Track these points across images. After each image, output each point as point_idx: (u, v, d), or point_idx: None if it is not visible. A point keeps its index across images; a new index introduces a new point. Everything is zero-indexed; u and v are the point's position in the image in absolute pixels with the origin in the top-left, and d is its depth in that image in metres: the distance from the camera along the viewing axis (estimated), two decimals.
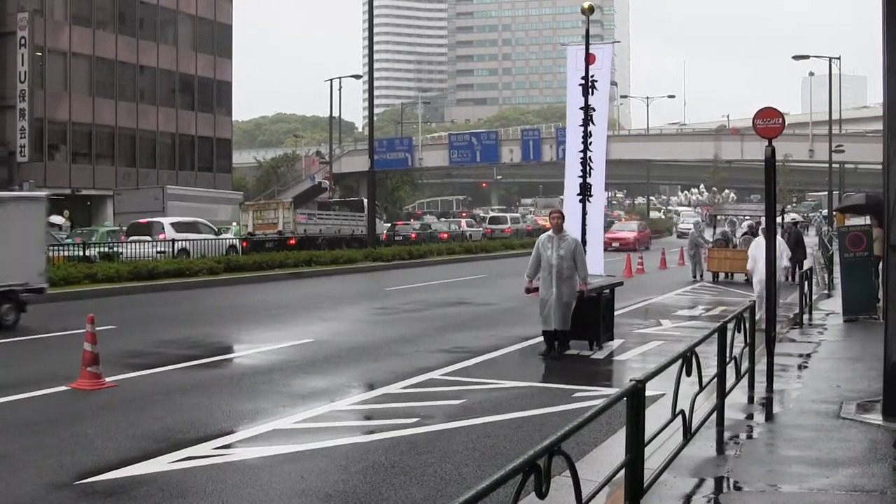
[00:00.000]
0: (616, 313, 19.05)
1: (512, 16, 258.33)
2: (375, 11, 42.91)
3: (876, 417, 9.01)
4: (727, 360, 8.31)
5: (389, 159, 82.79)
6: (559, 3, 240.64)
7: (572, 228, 15.29)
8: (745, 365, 9.67)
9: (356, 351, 14.52)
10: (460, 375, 12.28)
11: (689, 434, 6.90)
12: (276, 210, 42.99)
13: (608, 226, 49.13)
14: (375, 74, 42.41)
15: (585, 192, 15.94)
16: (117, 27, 64.34)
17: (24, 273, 17.89)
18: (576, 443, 7.62)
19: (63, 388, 11.10)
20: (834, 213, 44.83)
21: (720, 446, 7.90)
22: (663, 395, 8.80)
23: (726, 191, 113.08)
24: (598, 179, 16.11)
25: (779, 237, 16.84)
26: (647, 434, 5.51)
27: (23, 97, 56.74)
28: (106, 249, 31.73)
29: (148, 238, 33.63)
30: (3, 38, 57.80)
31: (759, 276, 16.96)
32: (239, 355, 14.81)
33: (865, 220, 21.83)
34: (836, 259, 21.99)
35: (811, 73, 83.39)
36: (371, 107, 43.31)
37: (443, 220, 76.32)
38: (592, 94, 15.93)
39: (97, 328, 11.60)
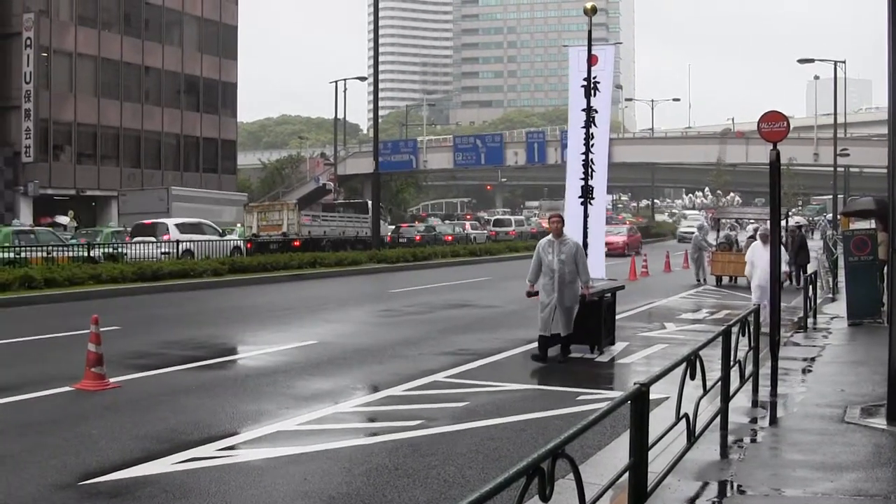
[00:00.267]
0: (620, 316, 19.04)
1: (517, 18, 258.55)
2: (381, 13, 42.94)
3: (880, 422, 8.99)
4: (731, 363, 8.30)
5: (394, 161, 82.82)
6: (564, 5, 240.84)
7: (574, 231, 15.21)
8: (749, 369, 9.65)
9: (360, 353, 14.52)
10: (464, 378, 12.27)
11: (693, 438, 6.89)
12: (281, 211, 43.04)
13: None
14: (380, 76, 42.50)
15: (587, 194, 15.80)
16: (123, 28, 64.48)
17: None
18: (580, 446, 7.62)
19: (67, 388, 11.10)
20: (839, 216, 44.79)
21: (724, 450, 7.89)
22: (667, 398, 8.79)
23: (731, 194, 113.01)
24: (599, 182, 15.95)
25: None
26: (651, 437, 5.52)
27: (28, 98, 56.86)
28: (110, 250, 31.78)
29: (152, 239, 33.69)
30: (9, 38, 57.94)
31: (758, 281, 16.90)
32: (243, 356, 14.81)
33: (870, 224, 21.79)
34: (841, 263, 21.96)
35: (816, 77, 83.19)
36: (376, 109, 43.35)
37: (447, 222, 76.36)
38: (594, 95, 15.77)
39: (101, 329, 11.62)
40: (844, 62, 63.18)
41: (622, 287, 16.47)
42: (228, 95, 73.76)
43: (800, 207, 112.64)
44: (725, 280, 30.46)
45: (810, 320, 17.96)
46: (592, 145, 15.76)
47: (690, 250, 33.19)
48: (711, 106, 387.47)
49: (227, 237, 39.02)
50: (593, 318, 14.51)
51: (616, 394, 10.50)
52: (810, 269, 25.22)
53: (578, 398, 10.96)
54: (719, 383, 8.02)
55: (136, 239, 34.24)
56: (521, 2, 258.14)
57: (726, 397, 8.18)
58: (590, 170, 15.78)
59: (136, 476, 7.53)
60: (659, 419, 6.48)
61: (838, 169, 64.74)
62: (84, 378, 11.25)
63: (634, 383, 5.23)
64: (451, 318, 19.76)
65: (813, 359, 13.66)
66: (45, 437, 8.81)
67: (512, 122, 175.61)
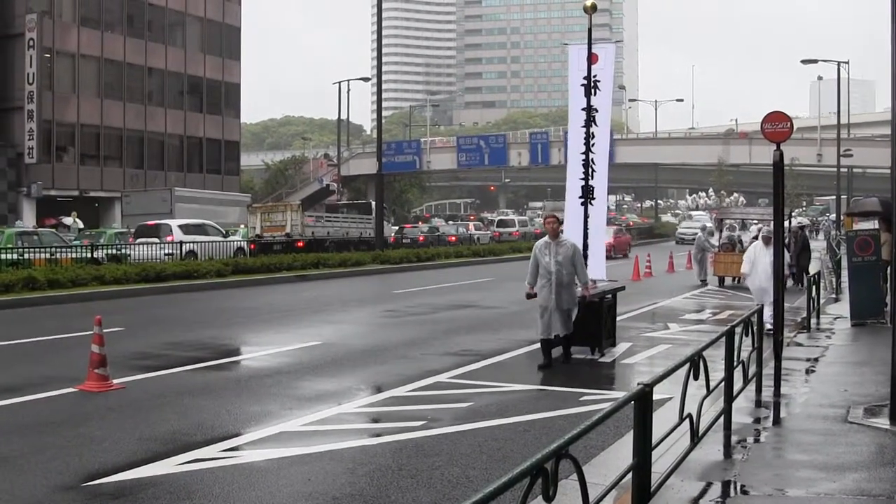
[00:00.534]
0: (624, 317, 19.06)
1: (520, 19, 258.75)
2: (384, 14, 42.94)
3: (883, 422, 8.99)
4: (735, 364, 8.30)
5: (397, 162, 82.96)
6: (568, 6, 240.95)
7: (574, 232, 15.06)
8: (752, 369, 9.65)
9: (363, 353, 14.53)
10: (467, 378, 12.28)
11: (696, 438, 6.89)
12: (284, 212, 43.02)
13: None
14: (384, 77, 42.44)
15: (587, 194, 15.51)
16: (126, 29, 64.53)
17: None
18: (583, 446, 7.61)
19: (70, 389, 11.11)
20: (843, 217, 44.77)
21: (727, 450, 7.88)
22: (671, 398, 8.79)
23: (735, 194, 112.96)
24: (600, 182, 15.65)
25: None
26: (655, 437, 5.51)
27: (31, 99, 56.90)
28: (114, 251, 31.81)
29: (156, 240, 33.70)
30: (12, 39, 57.98)
31: (759, 283, 16.79)
32: (246, 357, 14.83)
33: (874, 225, 21.77)
34: (844, 263, 21.95)
35: (820, 78, 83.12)
36: (379, 109, 43.37)
37: (451, 223, 76.37)
38: (595, 94, 15.50)
39: (105, 330, 11.63)
40: (848, 63, 63.20)
41: (623, 288, 16.40)
42: (232, 96, 73.79)
43: (804, 208, 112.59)
44: (728, 281, 30.42)
45: (813, 321, 17.96)
46: (593, 145, 15.48)
47: (694, 251, 33.17)
48: (715, 106, 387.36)
49: (231, 238, 39.02)
50: (593, 320, 14.42)
51: (619, 394, 10.49)
52: (812, 269, 25.17)
53: (582, 399, 10.96)
54: (722, 384, 8.01)
55: (139, 240, 34.28)
56: (524, 2, 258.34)
57: (729, 397, 8.17)
58: (590, 169, 15.49)
59: (139, 477, 7.54)
60: (662, 419, 6.47)
61: (841, 169, 64.73)
62: (87, 379, 11.26)
63: (638, 384, 5.23)
64: (454, 319, 19.76)
65: (816, 359, 13.65)
66: (49, 439, 8.82)
67: (515, 123, 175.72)
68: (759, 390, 10.12)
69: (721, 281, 30.39)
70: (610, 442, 8.31)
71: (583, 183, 15.57)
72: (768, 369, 10.63)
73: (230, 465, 7.93)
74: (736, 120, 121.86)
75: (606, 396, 11.09)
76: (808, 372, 12.49)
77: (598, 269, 15.63)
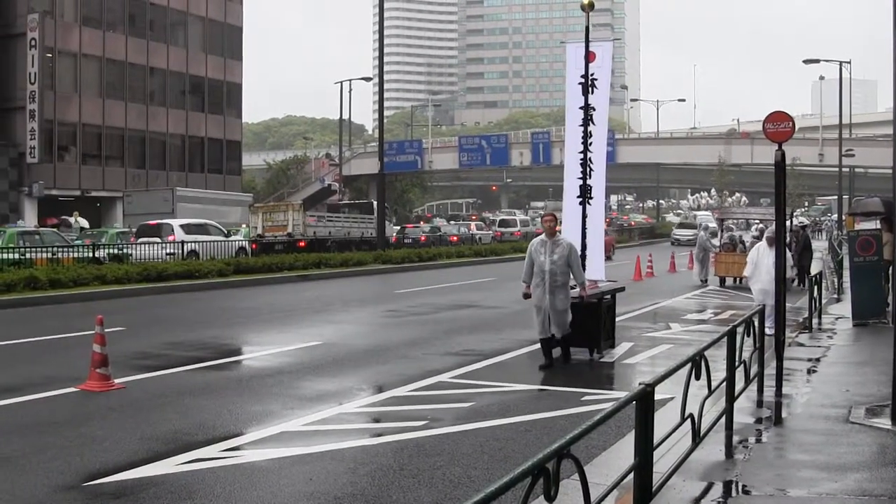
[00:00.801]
0: (626, 317, 19.06)
1: (522, 19, 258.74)
2: (386, 14, 42.93)
3: (885, 422, 8.98)
4: (736, 364, 8.29)
5: (399, 162, 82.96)
6: (569, 6, 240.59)
7: (572, 232, 14.98)
8: (754, 369, 9.64)
9: (365, 353, 14.53)
10: (469, 378, 12.27)
11: (697, 438, 6.88)
12: (286, 212, 43.02)
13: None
14: (386, 77, 42.43)
15: (585, 194, 15.38)
16: (127, 29, 64.55)
17: None
18: (585, 446, 7.61)
19: (72, 389, 11.12)
20: (845, 216, 44.74)
21: (729, 450, 7.88)
22: (672, 398, 8.79)
23: (737, 194, 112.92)
24: (598, 181, 15.49)
25: None
26: (656, 438, 5.51)
27: (33, 98, 56.93)
28: (115, 251, 31.81)
29: (157, 240, 33.71)
30: (14, 39, 58.01)
31: (762, 284, 16.60)
32: (247, 357, 14.83)
33: (876, 225, 21.76)
34: (846, 263, 21.93)
35: (821, 77, 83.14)
36: (381, 109, 43.34)
37: (452, 222, 76.37)
38: (592, 92, 15.37)
39: (106, 330, 11.62)
40: (850, 63, 63.15)
41: (622, 289, 16.26)
42: (233, 96, 73.80)
43: (806, 208, 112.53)
44: (729, 281, 30.40)
45: (815, 321, 17.95)
46: (591, 144, 15.36)
47: (696, 251, 33.15)
48: (717, 106, 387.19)
49: (233, 238, 39.03)
50: (592, 321, 14.24)
51: (621, 394, 10.48)
52: (815, 269, 25.14)
53: (583, 398, 10.95)
54: (724, 384, 8.00)
55: (141, 240, 34.29)
56: (525, 2, 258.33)
57: (731, 398, 8.16)
58: (588, 168, 15.36)
59: (140, 477, 7.54)
60: (664, 419, 6.46)
61: (843, 169, 64.70)
62: (89, 379, 11.26)
63: (639, 383, 5.22)
64: (456, 319, 19.76)
65: (818, 359, 13.64)
66: (50, 438, 8.82)
67: (517, 123, 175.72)
68: (760, 390, 10.11)
69: (722, 281, 30.36)
70: (611, 442, 8.31)
71: (581, 182, 15.44)
72: (770, 369, 10.63)
73: (231, 465, 7.93)
74: (738, 120, 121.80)
75: (608, 396, 11.09)
76: (809, 372, 12.48)
77: (596, 270, 15.51)
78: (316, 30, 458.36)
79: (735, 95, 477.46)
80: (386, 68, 43.12)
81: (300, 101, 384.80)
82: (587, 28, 15.23)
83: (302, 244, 40.26)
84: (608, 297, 15.01)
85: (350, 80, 76.05)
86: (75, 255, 29.44)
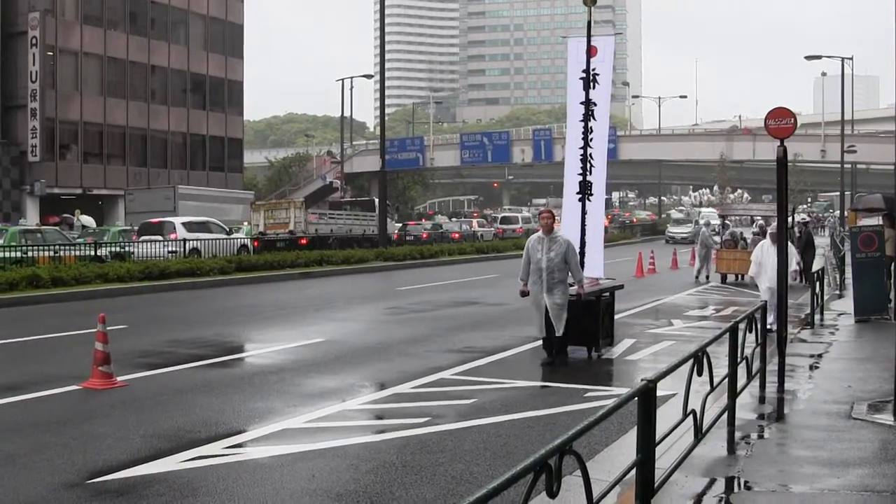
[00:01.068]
0: (627, 313, 19.07)
1: (524, 15, 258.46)
2: (387, 11, 42.93)
3: (887, 418, 8.99)
4: (738, 360, 8.29)
5: (401, 159, 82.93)
6: (571, 2, 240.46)
7: (571, 229, 14.88)
8: (756, 365, 9.65)
9: (367, 350, 14.53)
10: (471, 375, 12.27)
11: (700, 434, 6.89)
12: (288, 210, 43.01)
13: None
14: (387, 74, 42.46)
15: (585, 190, 15.17)
16: (128, 27, 64.54)
17: None
18: (587, 442, 7.63)
19: (74, 387, 11.13)
20: (846, 212, 44.74)
21: (731, 446, 7.88)
22: (674, 394, 8.79)
23: (739, 190, 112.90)
24: (598, 177, 15.29)
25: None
26: (659, 434, 5.51)
27: (34, 97, 56.97)
28: (117, 249, 31.81)
29: (159, 238, 33.72)
30: (15, 37, 58.06)
31: (770, 282, 16.40)
32: (250, 355, 14.83)
33: (878, 221, 21.75)
34: (848, 259, 21.92)
35: (823, 74, 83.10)
36: (382, 107, 43.33)
37: (454, 219, 76.40)
38: (594, 87, 15.16)
39: (108, 328, 11.62)
40: (852, 59, 63.10)
41: (621, 286, 15.96)
42: (235, 94, 73.79)
43: (808, 204, 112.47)
44: (731, 278, 30.36)
45: (817, 317, 17.94)
46: (591, 139, 15.18)
47: (698, 247, 33.11)
48: (718, 103, 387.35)
49: (234, 236, 39.01)
50: (590, 319, 14.03)
51: (623, 390, 10.46)
52: (817, 265, 25.10)
53: (586, 395, 10.96)
54: (726, 380, 8.00)
55: (142, 238, 34.28)
56: None
57: (733, 394, 8.16)
58: (588, 165, 15.17)
59: (143, 474, 7.55)
60: (666, 416, 6.46)
61: (845, 166, 64.67)
62: (91, 377, 11.28)
63: (641, 380, 5.23)
64: (458, 316, 19.76)
65: (820, 355, 13.64)
66: (53, 436, 8.83)
67: (519, 120, 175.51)
68: (762, 386, 10.12)
69: (724, 278, 30.32)
70: (614, 438, 8.31)
71: (581, 178, 15.26)
72: (772, 365, 10.64)
73: (234, 462, 7.93)
74: (739, 116, 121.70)
75: (610, 393, 11.09)
76: (811, 368, 12.48)
77: (596, 267, 15.36)
78: (317, 27, 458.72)
79: (737, 92, 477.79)
80: (387, 65, 43.15)
81: (302, 99, 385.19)
82: (589, 23, 15.08)
83: (304, 242, 40.25)
84: (607, 294, 14.73)
85: (351, 78, 76.15)
86: (77, 253, 29.45)
